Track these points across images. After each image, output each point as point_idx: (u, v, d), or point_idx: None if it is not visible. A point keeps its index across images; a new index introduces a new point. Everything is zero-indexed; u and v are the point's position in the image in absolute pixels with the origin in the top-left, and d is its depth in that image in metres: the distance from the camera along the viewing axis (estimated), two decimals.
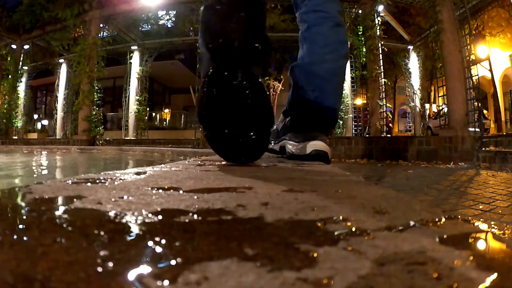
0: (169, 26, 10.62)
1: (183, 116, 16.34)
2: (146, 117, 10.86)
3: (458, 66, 5.72)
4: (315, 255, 0.19)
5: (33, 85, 13.65)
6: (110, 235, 0.22)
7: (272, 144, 1.42)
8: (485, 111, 8.76)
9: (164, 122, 16.86)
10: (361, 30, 7.60)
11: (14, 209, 0.32)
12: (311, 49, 1.26)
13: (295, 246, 0.21)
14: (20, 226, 0.24)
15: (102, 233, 0.22)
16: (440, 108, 8.15)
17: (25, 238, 0.21)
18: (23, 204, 0.33)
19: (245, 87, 0.80)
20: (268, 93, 0.86)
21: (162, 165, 0.80)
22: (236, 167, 0.79)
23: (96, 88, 8.52)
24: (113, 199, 0.33)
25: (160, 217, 0.27)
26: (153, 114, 16.57)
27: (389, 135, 8.17)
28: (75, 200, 0.33)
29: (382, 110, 7.41)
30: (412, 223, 0.27)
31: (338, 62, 1.26)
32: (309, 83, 1.24)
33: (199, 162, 0.96)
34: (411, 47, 9.82)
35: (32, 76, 11.52)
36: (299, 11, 1.32)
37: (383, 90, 7.57)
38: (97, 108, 8.65)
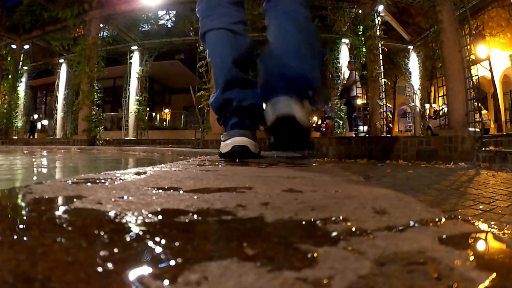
0: (169, 26, 10.62)
1: (183, 116, 16.34)
2: (146, 117, 10.86)
3: (458, 66, 5.72)
4: (315, 255, 0.19)
5: (33, 85, 13.64)
6: (110, 235, 0.22)
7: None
8: (483, 111, 8.77)
9: (164, 122, 16.86)
10: (361, 30, 7.60)
11: (14, 209, 0.32)
12: (272, 37, 1.26)
13: (295, 246, 0.21)
14: (20, 226, 0.24)
15: (102, 233, 0.22)
16: (440, 108, 8.17)
17: (25, 238, 0.21)
18: (23, 204, 0.33)
19: None
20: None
21: (162, 165, 0.80)
22: (236, 167, 0.79)
23: (96, 88, 8.52)
24: (113, 199, 0.33)
25: (160, 217, 0.27)
26: (153, 114, 16.57)
27: (389, 135, 8.17)
28: (75, 200, 0.33)
29: (382, 110, 7.41)
30: (412, 223, 0.27)
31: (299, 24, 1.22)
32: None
33: (199, 162, 0.96)
34: (411, 47, 9.82)
35: (32, 76, 11.52)
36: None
37: (383, 90, 7.57)
38: (97, 108, 8.65)
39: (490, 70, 10.32)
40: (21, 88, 10.59)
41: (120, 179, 0.49)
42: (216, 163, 0.88)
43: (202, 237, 0.23)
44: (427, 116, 10.57)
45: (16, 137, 10.16)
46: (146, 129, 10.47)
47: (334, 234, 0.24)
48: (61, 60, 10.73)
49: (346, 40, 8.79)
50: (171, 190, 0.40)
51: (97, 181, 0.46)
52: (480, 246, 0.23)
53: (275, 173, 0.68)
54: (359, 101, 7.49)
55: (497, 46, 11.24)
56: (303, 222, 0.27)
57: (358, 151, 5.71)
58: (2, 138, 9.63)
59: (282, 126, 1.05)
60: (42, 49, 10.93)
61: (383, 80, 7.53)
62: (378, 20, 7.54)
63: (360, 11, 7.67)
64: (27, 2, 9.33)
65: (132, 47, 10.25)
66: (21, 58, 10.27)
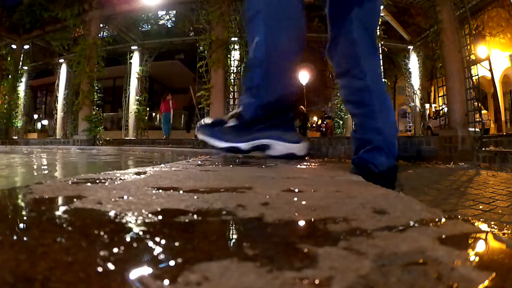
0: (169, 26, 10.63)
1: (183, 116, 16.32)
2: (146, 117, 10.87)
3: (458, 66, 5.72)
4: (315, 255, 0.19)
5: (33, 85, 13.65)
6: (110, 235, 0.22)
7: (240, 144, 1.18)
8: (483, 111, 8.77)
9: None
10: None
11: (14, 209, 0.32)
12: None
13: (295, 246, 0.21)
14: (20, 226, 0.24)
15: (102, 233, 0.22)
16: (440, 108, 8.19)
17: (25, 238, 0.21)
18: (23, 204, 0.33)
19: None
20: None
21: (162, 165, 0.80)
22: (236, 167, 0.79)
23: (96, 88, 8.52)
24: (113, 199, 0.33)
25: (160, 217, 0.27)
26: (153, 114, 16.57)
27: None
28: (75, 200, 0.33)
29: None
30: (412, 223, 0.27)
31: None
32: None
33: (199, 162, 0.96)
34: (411, 47, 9.82)
35: (32, 76, 11.52)
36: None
37: None
38: (97, 108, 8.65)
39: (490, 70, 10.32)
40: (21, 88, 10.60)
41: (120, 179, 0.49)
42: (216, 163, 0.88)
43: (202, 237, 0.23)
44: (427, 116, 10.57)
45: (16, 137, 10.17)
46: (146, 129, 10.47)
47: (334, 234, 0.24)
48: (61, 60, 10.74)
49: None
50: (171, 190, 0.40)
51: (97, 181, 0.46)
52: (480, 246, 0.23)
53: (275, 173, 0.68)
54: None
55: (497, 46, 11.23)
56: (303, 222, 0.27)
57: None
58: (2, 138, 9.64)
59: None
60: (42, 49, 10.94)
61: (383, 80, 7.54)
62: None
63: None
64: (27, 2, 9.34)
65: (132, 47, 10.26)
66: (21, 58, 10.27)
